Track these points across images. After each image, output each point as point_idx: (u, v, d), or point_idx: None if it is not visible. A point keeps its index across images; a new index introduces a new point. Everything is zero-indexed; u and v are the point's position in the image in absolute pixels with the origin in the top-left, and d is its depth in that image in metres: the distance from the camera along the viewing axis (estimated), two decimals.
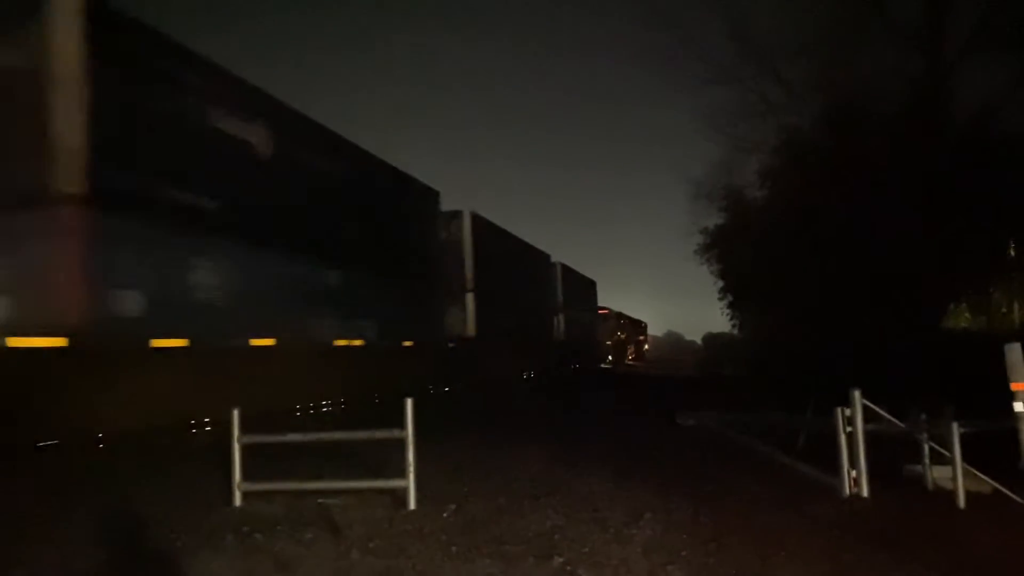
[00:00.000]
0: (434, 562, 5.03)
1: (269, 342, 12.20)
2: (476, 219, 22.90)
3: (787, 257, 20.09)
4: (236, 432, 6.73)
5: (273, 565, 5.00)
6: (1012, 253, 17.73)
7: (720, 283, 28.83)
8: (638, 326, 66.20)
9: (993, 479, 6.68)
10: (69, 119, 8.54)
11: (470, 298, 22.19)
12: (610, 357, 49.07)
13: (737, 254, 25.50)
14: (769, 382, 19.79)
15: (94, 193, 8.69)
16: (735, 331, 31.42)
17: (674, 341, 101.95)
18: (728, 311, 29.64)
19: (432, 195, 20.34)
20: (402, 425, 6.46)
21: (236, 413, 6.78)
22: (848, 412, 6.97)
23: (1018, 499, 6.38)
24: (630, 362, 55.80)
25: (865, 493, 6.82)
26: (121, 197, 9.24)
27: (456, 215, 22.19)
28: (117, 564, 5.06)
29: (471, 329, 22.05)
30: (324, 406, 14.53)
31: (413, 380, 16.82)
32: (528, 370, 29.50)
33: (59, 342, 8.47)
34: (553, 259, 34.37)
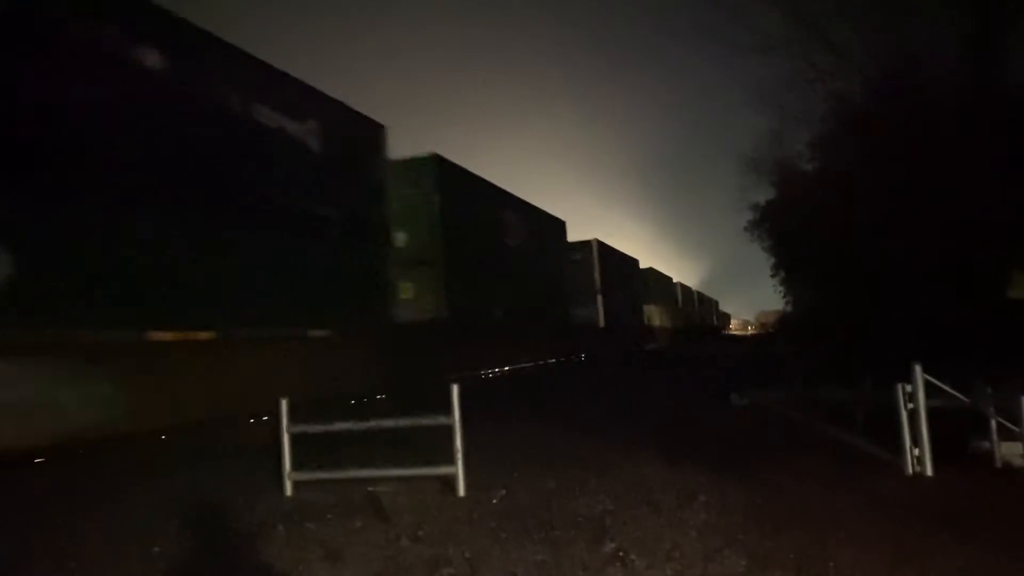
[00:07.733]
0: (483, 548, 4.98)
1: None
2: (601, 244, 34.63)
3: (843, 227, 19.51)
4: (285, 422, 6.78)
5: (323, 553, 5.01)
6: None
7: (772, 259, 28.28)
8: (727, 317, 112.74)
9: None
10: None
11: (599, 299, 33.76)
12: (724, 331, 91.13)
13: (789, 228, 24.92)
14: (826, 357, 19.32)
15: None
16: (788, 307, 30.88)
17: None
18: (781, 287, 29.08)
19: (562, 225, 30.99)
20: (448, 412, 6.44)
21: (284, 403, 6.83)
22: (909, 387, 6.70)
23: None
24: (727, 332, 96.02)
25: (929, 471, 6.56)
26: None
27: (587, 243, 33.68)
28: (167, 555, 5.12)
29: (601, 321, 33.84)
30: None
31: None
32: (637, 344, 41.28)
33: None
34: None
